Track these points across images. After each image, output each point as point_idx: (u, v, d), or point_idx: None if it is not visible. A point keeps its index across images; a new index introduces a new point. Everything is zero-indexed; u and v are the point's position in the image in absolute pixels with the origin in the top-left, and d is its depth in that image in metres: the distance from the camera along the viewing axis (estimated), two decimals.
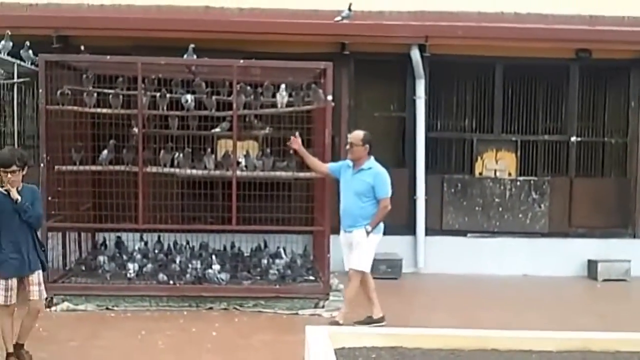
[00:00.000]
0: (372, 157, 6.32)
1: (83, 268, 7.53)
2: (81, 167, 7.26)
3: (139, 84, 6.83)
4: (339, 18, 8.62)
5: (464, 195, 9.27)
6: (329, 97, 6.90)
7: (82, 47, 7.46)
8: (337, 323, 6.15)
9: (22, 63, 7.74)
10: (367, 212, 6.18)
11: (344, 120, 8.79)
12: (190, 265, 7.31)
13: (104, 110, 7.19)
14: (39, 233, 5.36)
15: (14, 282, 5.07)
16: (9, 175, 4.95)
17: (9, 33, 7.42)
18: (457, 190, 9.27)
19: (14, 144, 7.86)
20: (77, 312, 6.77)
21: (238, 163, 7.14)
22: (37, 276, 5.18)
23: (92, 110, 7.17)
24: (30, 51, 7.71)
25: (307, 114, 7.32)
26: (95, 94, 7.12)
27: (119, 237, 7.97)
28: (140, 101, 6.88)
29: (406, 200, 9.01)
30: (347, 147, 6.33)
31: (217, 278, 7.11)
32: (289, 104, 7.21)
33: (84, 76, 7.18)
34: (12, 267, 5.04)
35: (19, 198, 5.00)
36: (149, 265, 7.34)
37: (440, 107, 9.35)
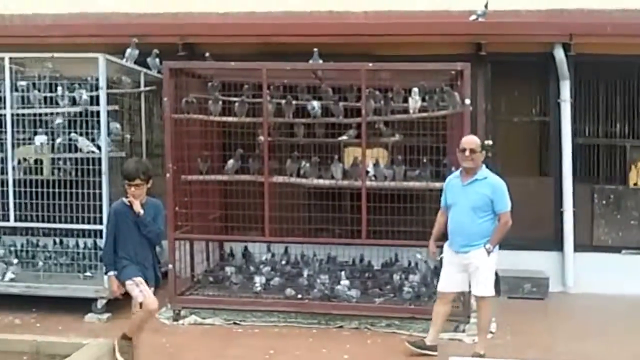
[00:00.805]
0: (484, 167, 5.61)
1: (210, 279, 7.44)
2: (207, 177, 7.15)
3: (264, 91, 6.61)
4: (474, 17, 8.05)
5: (617, 208, 8.37)
6: (467, 101, 6.34)
7: (207, 54, 7.37)
8: (479, 355, 5.55)
9: (149, 71, 7.82)
10: (484, 229, 5.44)
11: (480, 125, 8.16)
12: (318, 280, 7.01)
13: (230, 119, 7.03)
14: (157, 249, 5.21)
15: (138, 279, 4.93)
16: (132, 189, 4.86)
17: (135, 41, 7.48)
18: (610, 202, 8.39)
19: (142, 152, 7.95)
20: (204, 326, 6.65)
21: (367, 172, 6.74)
22: (151, 290, 5.06)
23: (218, 118, 7.03)
24: (157, 59, 7.76)
25: (440, 120, 6.80)
26: (220, 102, 6.98)
27: (246, 248, 7.84)
28: (265, 109, 6.65)
29: (551, 213, 8.28)
30: (466, 154, 5.49)
31: (347, 295, 6.74)
32: (422, 109, 6.73)
33: (209, 84, 7.08)
34: (133, 269, 4.94)
35: (142, 212, 4.89)
36: (276, 279, 7.13)
37: (587, 110, 8.51)
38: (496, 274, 7.86)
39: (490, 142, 7.96)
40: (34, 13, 8.95)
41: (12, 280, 7.12)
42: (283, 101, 6.85)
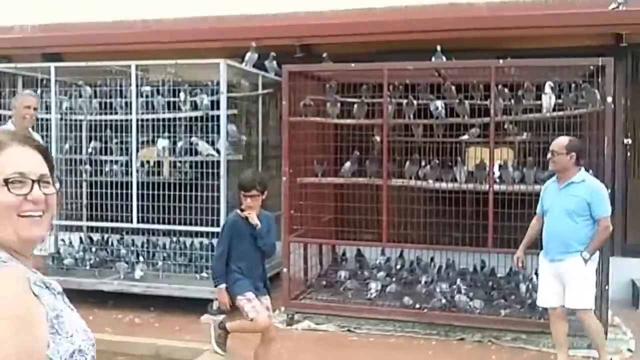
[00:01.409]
0: (582, 169, 5.16)
1: (324, 283, 7.34)
2: (323, 180, 7.05)
3: (385, 92, 6.40)
4: (614, 5, 7.43)
5: None
6: (609, 99, 5.82)
7: (324, 55, 7.26)
8: None
9: (266, 74, 7.83)
10: (581, 235, 5.03)
11: (618, 123, 7.52)
12: (437, 288, 6.71)
13: (348, 121, 6.89)
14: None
15: (253, 295, 4.89)
16: (249, 200, 4.81)
17: (254, 45, 7.50)
18: None
19: (257, 155, 7.99)
20: (318, 332, 6.55)
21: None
22: (266, 300, 5.02)
23: (336, 120, 6.92)
24: (275, 62, 7.76)
25: (577, 119, 6.30)
26: (338, 104, 6.86)
27: (359, 251, 7.68)
28: (385, 110, 6.44)
29: None
30: (549, 155, 5.14)
31: (469, 306, 6.41)
32: (557, 108, 6.27)
33: (327, 85, 6.97)
34: (245, 283, 4.90)
35: (259, 224, 4.83)
36: (393, 285, 6.90)
37: None
38: (633, 284, 7.28)
39: (629, 140, 7.32)
40: (154, 19, 9.21)
41: (139, 278, 7.34)
42: (404, 101, 6.62)
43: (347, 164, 6.86)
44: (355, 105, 6.79)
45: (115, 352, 4.78)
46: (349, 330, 6.52)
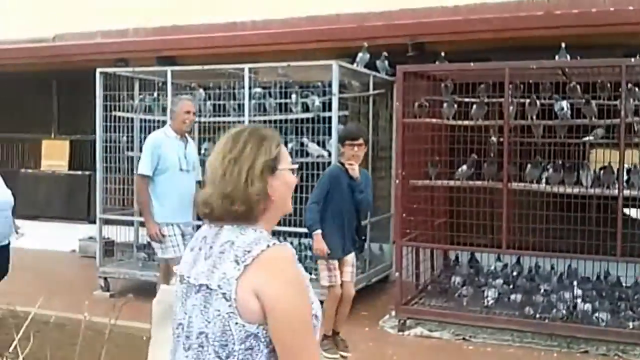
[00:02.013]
0: None
1: (437, 289, 7.23)
2: (437, 182, 6.93)
3: (506, 92, 6.20)
4: None
5: None
6: None
7: (442, 54, 7.12)
8: None
9: (377, 74, 7.79)
10: None
11: None
12: (559, 298, 6.47)
13: (465, 122, 6.74)
14: (362, 221, 5.28)
15: (335, 262, 5.09)
16: (355, 149, 4.87)
17: (366, 45, 7.48)
18: None
19: (369, 155, 7.95)
20: (431, 339, 6.45)
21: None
22: (351, 258, 5.17)
23: (453, 122, 6.79)
24: (386, 61, 7.71)
25: None
26: (454, 105, 6.73)
27: (472, 256, 7.52)
28: (506, 110, 6.25)
29: None
30: None
31: (595, 317, 6.13)
32: None
33: (443, 85, 6.85)
34: (333, 246, 5.04)
35: (359, 176, 4.91)
36: (511, 295, 6.69)
37: None
38: None
39: None
40: (263, 19, 9.36)
41: None
42: (527, 102, 6.41)
43: (464, 167, 6.71)
44: (474, 106, 6.63)
45: None
46: (464, 338, 6.39)
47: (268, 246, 1.86)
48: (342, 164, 5.10)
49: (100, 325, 4.03)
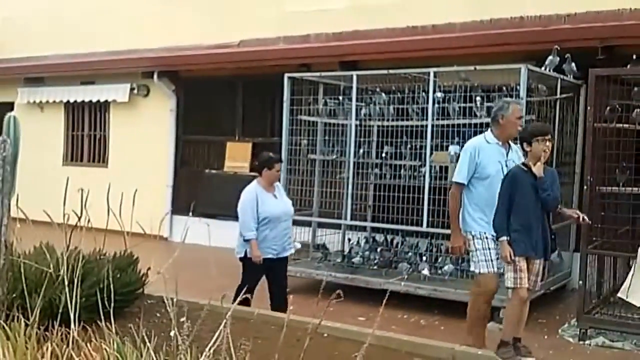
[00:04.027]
0: None
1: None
2: (627, 190, 6.95)
3: None
4: None
5: None
6: None
7: (634, 57, 7.16)
8: None
9: (564, 77, 7.89)
10: None
11: None
12: None
13: None
14: (551, 218, 5.26)
15: (523, 263, 5.09)
16: (547, 143, 4.96)
17: (558, 48, 7.61)
18: None
19: (552, 160, 8.05)
20: (612, 349, 6.47)
21: None
22: (538, 265, 5.15)
23: None
24: (573, 64, 7.80)
25: None
26: None
27: None
28: None
29: None
30: None
31: None
32: None
33: (634, 90, 6.87)
34: (521, 246, 5.07)
35: (542, 174, 4.97)
36: None
37: None
38: None
39: None
40: (444, 23, 9.66)
41: (425, 278, 7.89)
42: None
43: None
44: None
45: (411, 352, 4.98)
46: None
47: None
48: (525, 165, 5.14)
49: (279, 320, 4.39)
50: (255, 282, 6.34)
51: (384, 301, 3.60)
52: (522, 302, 5.23)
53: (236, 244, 6.64)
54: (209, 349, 3.51)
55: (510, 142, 5.80)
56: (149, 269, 5.44)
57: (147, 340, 3.78)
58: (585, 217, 5.61)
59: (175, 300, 3.86)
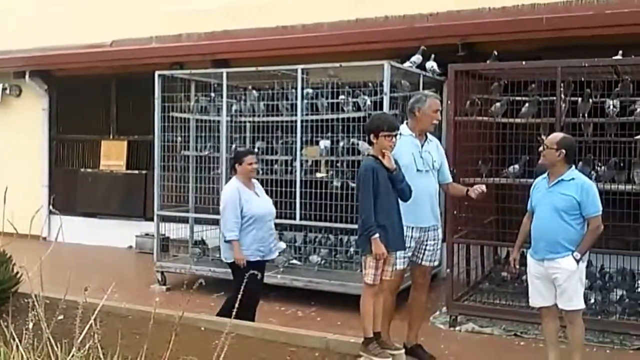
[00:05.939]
0: (573, 168, 4.88)
1: (487, 284, 7.16)
2: (489, 180, 6.84)
3: (558, 90, 6.12)
4: None
5: None
6: None
7: (495, 53, 7.04)
8: None
9: (426, 74, 7.75)
10: (571, 234, 4.75)
11: None
12: (611, 294, 6.34)
13: (517, 120, 6.66)
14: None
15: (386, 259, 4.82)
16: (393, 139, 4.70)
17: (424, 48, 7.47)
18: None
19: None
20: (482, 334, 6.40)
21: None
22: (393, 256, 4.89)
23: (505, 120, 6.72)
24: (434, 62, 7.66)
25: None
26: (505, 103, 6.65)
27: (522, 253, 7.38)
28: (558, 108, 6.16)
29: None
30: (540, 149, 4.90)
31: None
32: None
33: (493, 84, 6.78)
34: (390, 243, 4.78)
35: (395, 167, 4.71)
36: None
37: None
38: None
39: None
40: (313, 23, 9.40)
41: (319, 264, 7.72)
42: (579, 100, 6.29)
43: (516, 167, 6.64)
44: (527, 104, 6.55)
45: (286, 342, 4.89)
46: (515, 334, 6.33)
47: None
48: (375, 157, 4.76)
49: (160, 316, 4.09)
50: (257, 286, 5.46)
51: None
52: (375, 296, 4.92)
53: (222, 248, 5.99)
54: (79, 342, 3.31)
55: (428, 134, 5.49)
56: (21, 267, 5.00)
57: (15, 338, 3.57)
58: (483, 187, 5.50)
59: (41, 296, 3.68)
